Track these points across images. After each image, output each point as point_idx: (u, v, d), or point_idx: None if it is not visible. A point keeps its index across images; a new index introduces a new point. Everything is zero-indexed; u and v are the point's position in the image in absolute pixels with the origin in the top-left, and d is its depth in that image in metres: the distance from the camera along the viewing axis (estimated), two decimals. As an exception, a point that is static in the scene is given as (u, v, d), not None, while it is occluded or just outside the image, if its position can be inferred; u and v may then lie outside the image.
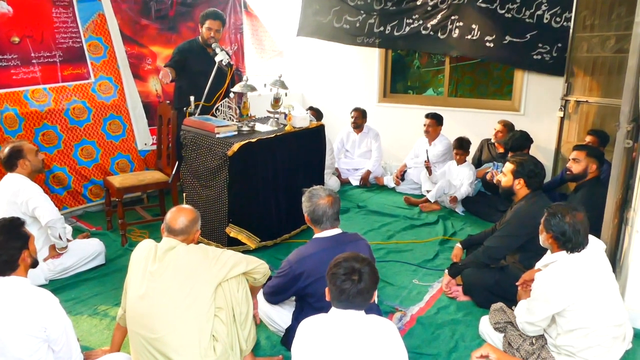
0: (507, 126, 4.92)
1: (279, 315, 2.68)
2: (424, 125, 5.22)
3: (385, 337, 1.86)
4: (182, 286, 2.16)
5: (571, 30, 4.48)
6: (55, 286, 3.24)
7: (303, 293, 2.46)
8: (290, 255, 2.53)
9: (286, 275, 2.46)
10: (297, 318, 2.47)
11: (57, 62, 4.20)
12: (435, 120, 5.20)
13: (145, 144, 4.75)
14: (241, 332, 2.29)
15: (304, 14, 6.10)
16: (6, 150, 3.21)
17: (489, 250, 3.09)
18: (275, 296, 2.60)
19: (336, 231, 2.54)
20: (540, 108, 5.18)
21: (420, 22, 5.38)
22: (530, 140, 4.50)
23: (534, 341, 2.46)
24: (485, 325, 2.76)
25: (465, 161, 4.85)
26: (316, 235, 2.54)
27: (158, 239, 2.35)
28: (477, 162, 5.22)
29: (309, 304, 2.45)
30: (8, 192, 3.13)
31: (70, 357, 2.09)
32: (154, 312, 2.14)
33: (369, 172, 5.58)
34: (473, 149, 5.33)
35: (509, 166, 3.18)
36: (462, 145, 4.79)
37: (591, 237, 2.38)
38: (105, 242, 3.67)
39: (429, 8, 5.30)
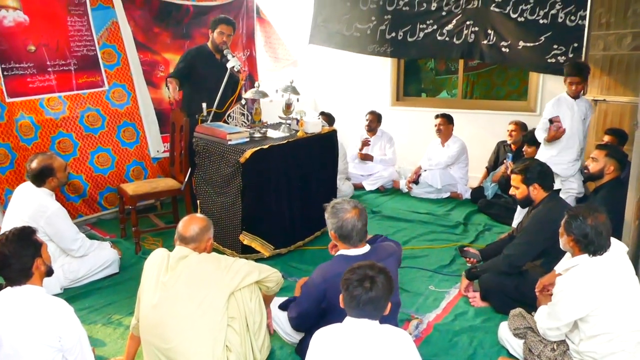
0: (520, 125, 4.87)
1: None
2: (435, 125, 5.20)
3: (400, 347, 1.82)
4: (195, 296, 2.15)
5: (586, 29, 4.39)
6: (69, 295, 3.25)
7: (326, 307, 2.29)
8: (313, 275, 2.37)
9: (310, 297, 2.32)
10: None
11: (72, 70, 4.23)
12: (446, 119, 5.19)
13: (158, 151, 4.77)
14: (255, 342, 2.26)
15: (315, 22, 6.04)
16: (36, 164, 3.13)
17: (509, 258, 2.99)
18: (301, 320, 2.42)
19: (364, 250, 2.36)
20: (557, 108, 5.07)
21: (435, 27, 5.31)
22: None
23: (555, 347, 2.39)
24: (504, 331, 2.69)
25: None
26: (342, 252, 2.37)
27: (171, 247, 2.34)
28: (494, 165, 5.15)
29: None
30: (31, 207, 3.11)
31: (84, 367, 2.08)
32: (166, 321, 2.12)
33: None
34: (489, 152, 5.26)
35: (516, 177, 3.10)
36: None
37: (613, 240, 2.31)
38: (118, 250, 3.66)
39: (444, 13, 5.23)
